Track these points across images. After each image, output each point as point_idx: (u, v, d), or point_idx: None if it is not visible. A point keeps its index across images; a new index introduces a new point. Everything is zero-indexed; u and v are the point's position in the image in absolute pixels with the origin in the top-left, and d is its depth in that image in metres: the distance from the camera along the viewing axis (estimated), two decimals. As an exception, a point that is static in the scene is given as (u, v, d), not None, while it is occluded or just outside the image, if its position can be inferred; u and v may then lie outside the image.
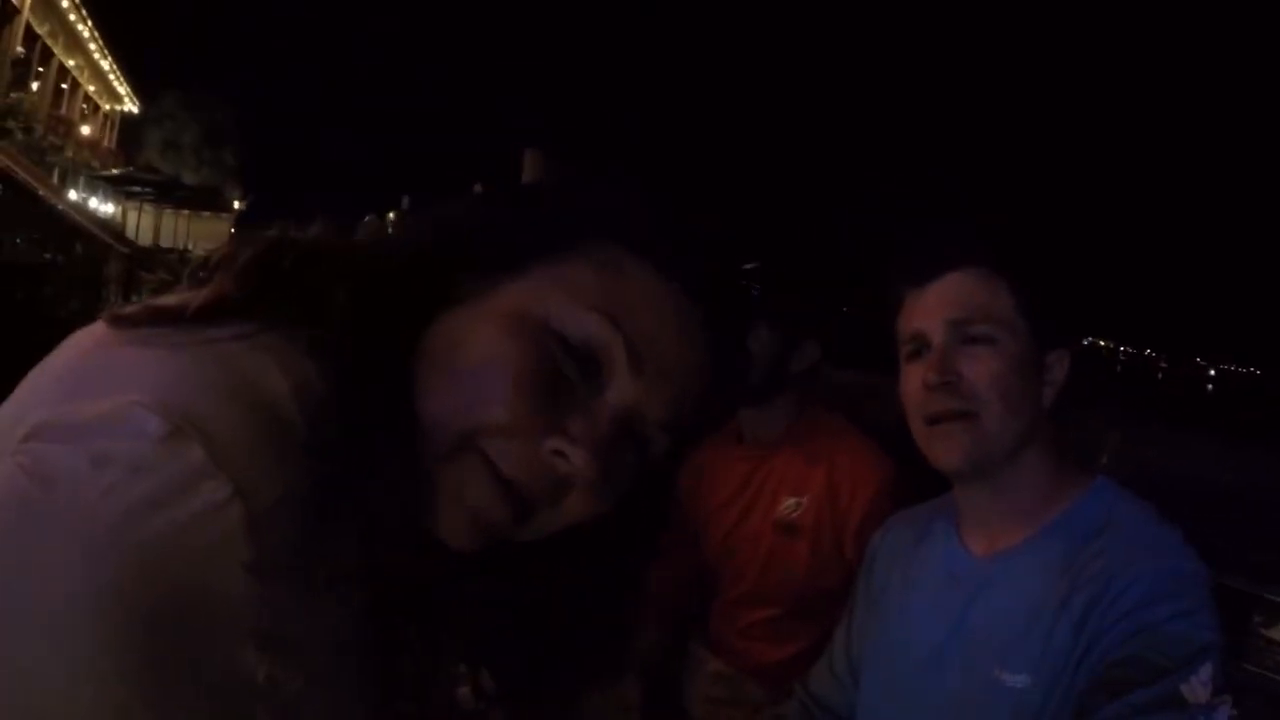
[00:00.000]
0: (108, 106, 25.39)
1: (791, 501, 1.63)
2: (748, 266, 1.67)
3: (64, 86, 21.17)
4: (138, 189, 20.10)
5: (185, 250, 17.67)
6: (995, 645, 1.02)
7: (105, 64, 23.02)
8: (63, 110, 21.00)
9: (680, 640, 1.80)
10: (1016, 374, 1.04)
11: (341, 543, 0.48)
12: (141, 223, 21.37)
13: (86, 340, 0.51)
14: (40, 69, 18.90)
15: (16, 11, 16.69)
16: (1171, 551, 0.97)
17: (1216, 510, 1.12)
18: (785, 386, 1.66)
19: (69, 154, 19.55)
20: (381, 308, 0.55)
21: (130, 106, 26.06)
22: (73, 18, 19.59)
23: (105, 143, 24.87)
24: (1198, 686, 0.87)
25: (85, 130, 22.35)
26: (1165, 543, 0.98)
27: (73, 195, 17.30)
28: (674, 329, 0.57)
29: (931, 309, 1.09)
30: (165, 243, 20.94)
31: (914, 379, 1.09)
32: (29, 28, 17.49)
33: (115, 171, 20.49)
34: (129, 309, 0.52)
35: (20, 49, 17.05)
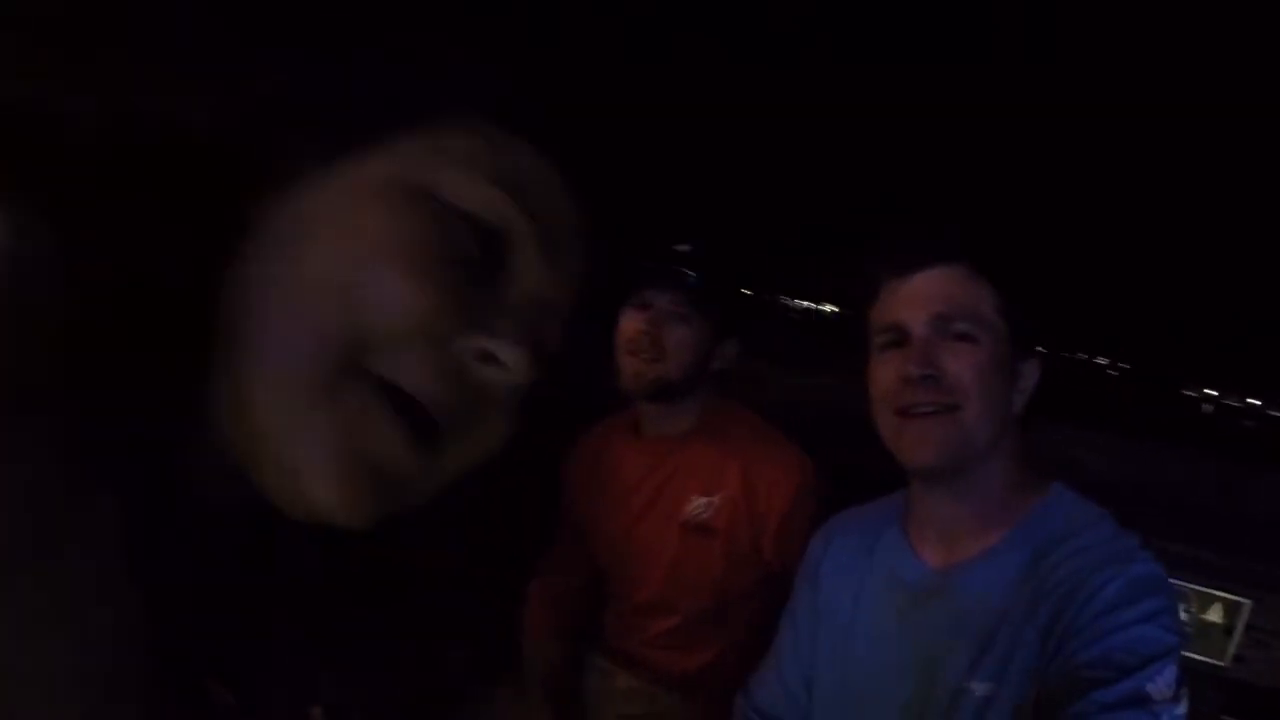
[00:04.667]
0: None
1: (701, 501, 1.52)
2: (684, 247, 1.55)
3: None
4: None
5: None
6: (961, 656, 1.01)
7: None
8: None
9: (578, 653, 1.66)
10: (995, 374, 1.03)
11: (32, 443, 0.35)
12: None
13: None
14: None
15: None
16: (1134, 556, 0.98)
17: (1132, 505, 1.16)
18: (702, 383, 1.55)
19: None
20: (160, 186, 0.40)
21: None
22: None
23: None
24: (1163, 686, 0.89)
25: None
26: (1127, 548, 0.99)
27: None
28: (563, 219, 0.47)
29: (915, 300, 1.05)
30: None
31: (889, 370, 1.05)
32: None
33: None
34: None
35: None
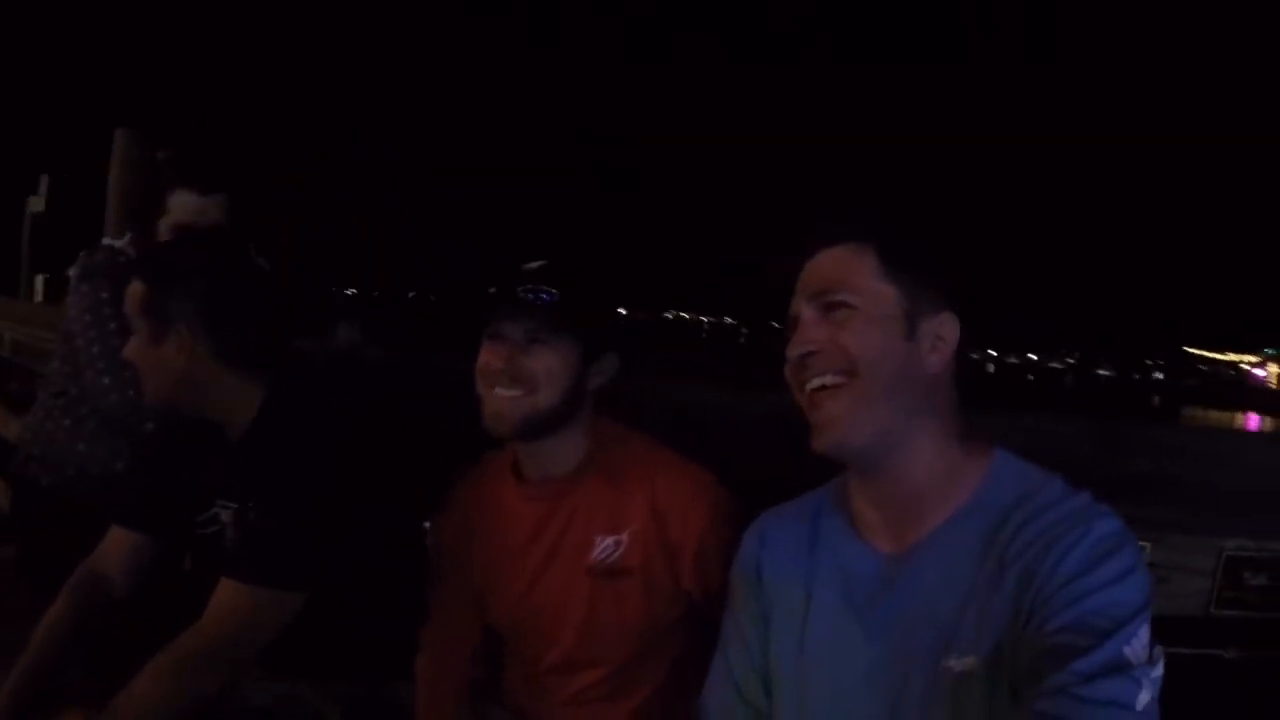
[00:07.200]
0: None
1: (608, 541, 1.38)
2: (533, 266, 1.37)
3: None
4: None
5: None
6: (933, 637, 0.99)
7: None
8: None
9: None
10: (883, 335, 1.02)
11: None
12: None
13: None
14: None
15: None
16: (1094, 513, 0.96)
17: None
18: (581, 408, 1.40)
19: None
20: None
21: None
22: None
23: None
24: (1138, 647, 0.87)
25: None
26: (1084, 506, 0.98)
27: None
28: None
29: (800, 288, 1.08)
30: None
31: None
32: None
33: None
34: None
35: None
